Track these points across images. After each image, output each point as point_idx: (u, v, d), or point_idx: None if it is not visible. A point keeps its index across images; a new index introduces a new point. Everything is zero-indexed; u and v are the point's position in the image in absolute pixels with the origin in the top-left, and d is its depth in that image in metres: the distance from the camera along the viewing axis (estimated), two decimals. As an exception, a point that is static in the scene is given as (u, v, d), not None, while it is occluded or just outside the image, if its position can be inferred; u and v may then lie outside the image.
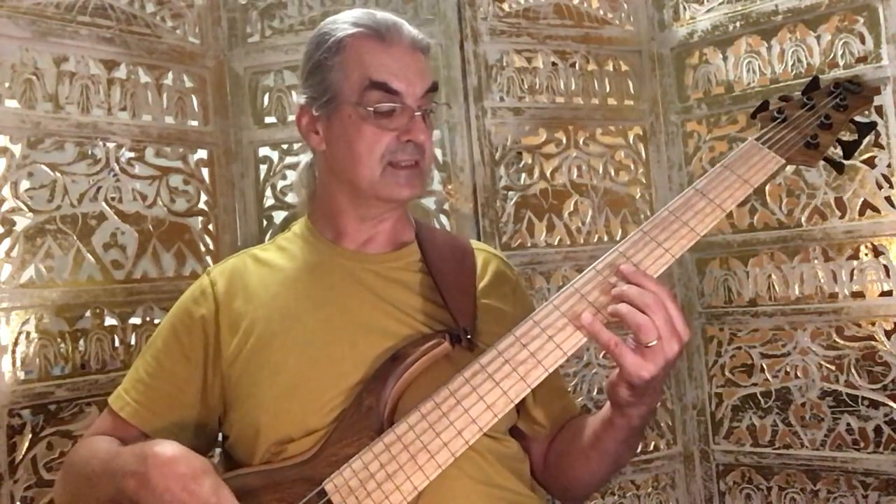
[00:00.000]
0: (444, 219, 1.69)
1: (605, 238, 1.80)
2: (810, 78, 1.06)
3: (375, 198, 1.07)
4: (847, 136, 1.03)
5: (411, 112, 1.05)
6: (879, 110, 1.55)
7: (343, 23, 1.08)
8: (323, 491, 0.92)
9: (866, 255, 1.60)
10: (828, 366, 1.63)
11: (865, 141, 1.04)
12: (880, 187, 1.57)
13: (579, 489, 1.13)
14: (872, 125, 0.99)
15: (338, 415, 0.98)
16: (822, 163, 1.02)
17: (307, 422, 0.99)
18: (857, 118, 1.04)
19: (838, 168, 1.03)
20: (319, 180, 1.16)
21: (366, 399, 0.98)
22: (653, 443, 1.79)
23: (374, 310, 1.06)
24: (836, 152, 1.03)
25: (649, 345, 0.87)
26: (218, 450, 1.15)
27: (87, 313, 1.46)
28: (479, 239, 1.65)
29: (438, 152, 1.68)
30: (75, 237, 1.46)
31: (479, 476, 0.99)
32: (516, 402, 0.92)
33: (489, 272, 1.17)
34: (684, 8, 1.82)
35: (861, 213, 1.60)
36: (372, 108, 1.04)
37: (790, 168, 1.66)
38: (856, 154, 1.07)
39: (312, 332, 1.04)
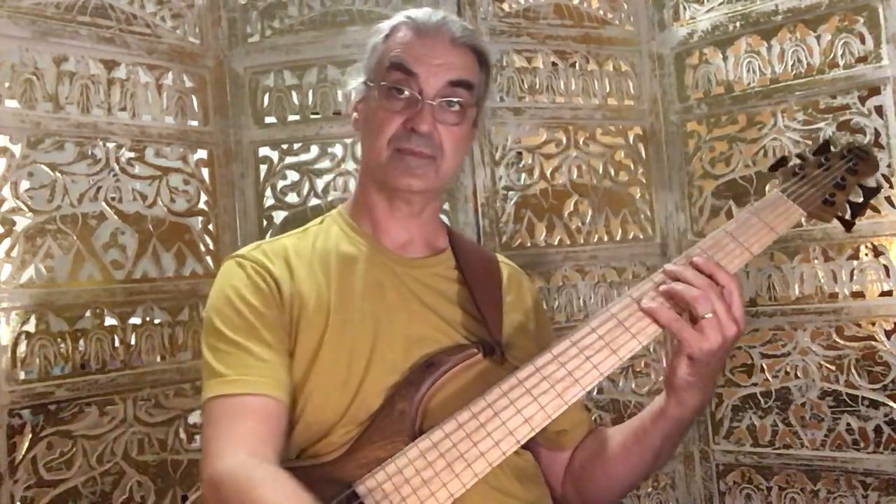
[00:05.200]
0: (444, 219, 1.68)
1: (605, 238, 1.78)
2: (821, 142, 1.14)
3: (384, 183, 1.07)
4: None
5: (421, 100, 1.04)
6: (879, 110, 1.55)
7: (400, 15, 1.11)
8: (355, 493, 0.91)
9: (866, 255, 1.60)
10: (828, 366, 1.63)
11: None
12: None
13: (612, 493, 1.12)
14: (878, 189, 1.11)
15: (369, 416, 0.98)
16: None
17: (345, 416, 0.98)
18: (865, 182, 1.12)
19: (847, 226, 1.10)
20: (359, 170, 1.19)
21: (399, 403, 0.98)
22: (653, 443, 1.79)
23: (418, 316, 1.06)
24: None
25: (705, 316, 0.92)
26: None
27: (87, 313, 1.46)
28: (478, 239, 1.65)
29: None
30: (75, 237, 1.46)
31: (495, 483, 0.99)
32: (554, 417, 0.94)
33: (514, 287, 1.18)
34: (684, 8, 1.82)
35: (861, 213, 1.60)
36: (385, 83, 1.05)
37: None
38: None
39: (360, 324, 1.02)
